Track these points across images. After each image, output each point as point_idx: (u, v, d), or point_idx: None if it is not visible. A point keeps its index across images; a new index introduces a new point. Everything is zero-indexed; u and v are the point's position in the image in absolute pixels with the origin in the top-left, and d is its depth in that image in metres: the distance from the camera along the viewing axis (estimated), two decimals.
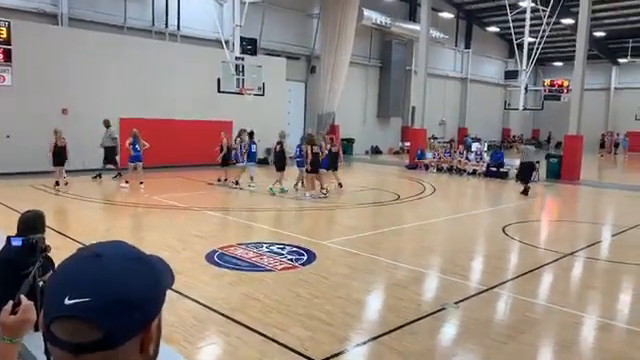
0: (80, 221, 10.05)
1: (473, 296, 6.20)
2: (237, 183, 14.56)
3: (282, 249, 7.95)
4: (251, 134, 14.85)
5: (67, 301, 0.85)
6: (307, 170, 13.51)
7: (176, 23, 19.88)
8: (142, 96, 17.49)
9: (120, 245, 0.98)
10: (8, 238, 3.83)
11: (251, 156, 14.59)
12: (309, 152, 13.32)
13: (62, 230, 8.34)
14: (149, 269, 0.96)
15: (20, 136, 14.51)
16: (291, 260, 7.39)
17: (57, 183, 13.28)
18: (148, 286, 0.93)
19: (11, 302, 1.73)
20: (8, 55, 14.78)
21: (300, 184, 14.15)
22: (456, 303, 5.85)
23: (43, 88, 15.38)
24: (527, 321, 5.49)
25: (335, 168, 14.53)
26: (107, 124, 15.13)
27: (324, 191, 13.49)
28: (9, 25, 14.76)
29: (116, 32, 18.05)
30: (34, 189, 13.21)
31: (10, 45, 14.77)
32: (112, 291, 0.87)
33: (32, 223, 3.99)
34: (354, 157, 25.75)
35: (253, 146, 14.60)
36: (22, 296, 1.77)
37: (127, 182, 13.93)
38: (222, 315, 5.28)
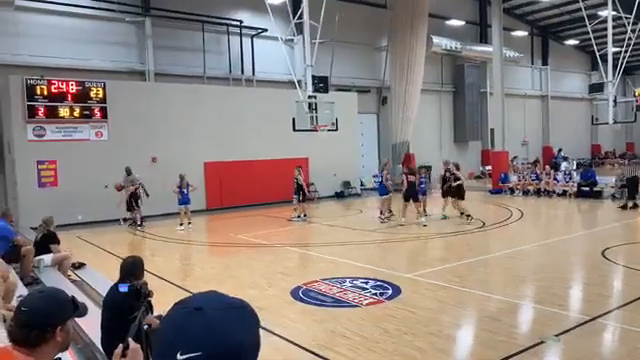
0: (172, 262, 10.56)
1: (575, 327, 5.75)
2: (390, 212, 14.98)
3: (366, 283, 7.87)
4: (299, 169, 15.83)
5: (179, 356, 0.91)
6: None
7: (251, 69, 20.88)
8: (223, 140, 18.37)
9: (214, 295, 1.04)
10: (116, 285, 4.14)
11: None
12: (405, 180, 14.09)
13: (158, 273, 8.78)
14: (243, 316, 1.01)
15: None
16: (376, 295, 7.28)
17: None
18: (247, 333, 0.99)
19: (121, 345, 1.85)
20: (104, 112, 16.20)
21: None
22: (556, 336, 5.45)
23: (134, 139, 16.61)
24: (639, 355, 5.00)
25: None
26: (128, 171, 15.11)
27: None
28: (104, 85, 16.23)
29: (197, 82, 19.27)
30: (130, 234, 14.16)
31: (106, 103, 16.20)
32: (219, 343, 0.93)
33: (132, 268, 4.27)
34: (432, 184, 25.22)
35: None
36: (130, 340, 1.89)
37: (182, 224, 14.30)
38: (311, 353, 5.28)
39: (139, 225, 14.73)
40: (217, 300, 1.02)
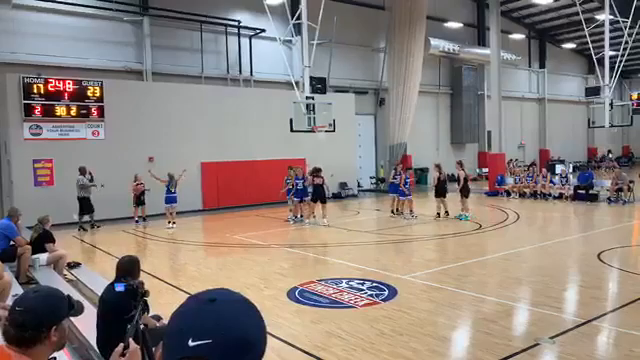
0: (168, 262, 10.55)
1: (570, 330, 5.78)
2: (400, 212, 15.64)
3: (362, 284, 7.87)
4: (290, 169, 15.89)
5: (191, 343, 0.94)
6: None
7: (249, 69, 20.88)
8: (220, 140, 18.36)
9: (227, 291, 1.07)
10: (112, 284, 4.13)
11: (298, 192, 15.20)
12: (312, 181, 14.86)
13: (153, 272, 8.77)
14: (254, 313, 1.05)
15: (113, 185, 15.63)
16: (372, 296, 7.28)
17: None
18: (258, 327, 1.02)
19: (121, 345, 1.85)
20: (101, 111, 16.16)
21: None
22: (551, 338, 5.47)
23: (131, 139, 16.59)
24: (634, 357, 5.02)
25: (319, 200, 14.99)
26: (83, 171, 14.46)
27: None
28: (102, 84, 16.19)
29: (194, 82, 19.24)
30: (126, 234, 14.11)
31: (103, 102, 16.16)
32: (230, 333, 0.96)
33: (129, 268, 4.27)
34: (429, 186, 25.27)
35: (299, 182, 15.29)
36: (130, 340, 1.89)
37: (169, 222, 14.65)
38: (307, 354, 5.28)
39: (136, 222, 15.22)
40: (230, 294, 1.06)
